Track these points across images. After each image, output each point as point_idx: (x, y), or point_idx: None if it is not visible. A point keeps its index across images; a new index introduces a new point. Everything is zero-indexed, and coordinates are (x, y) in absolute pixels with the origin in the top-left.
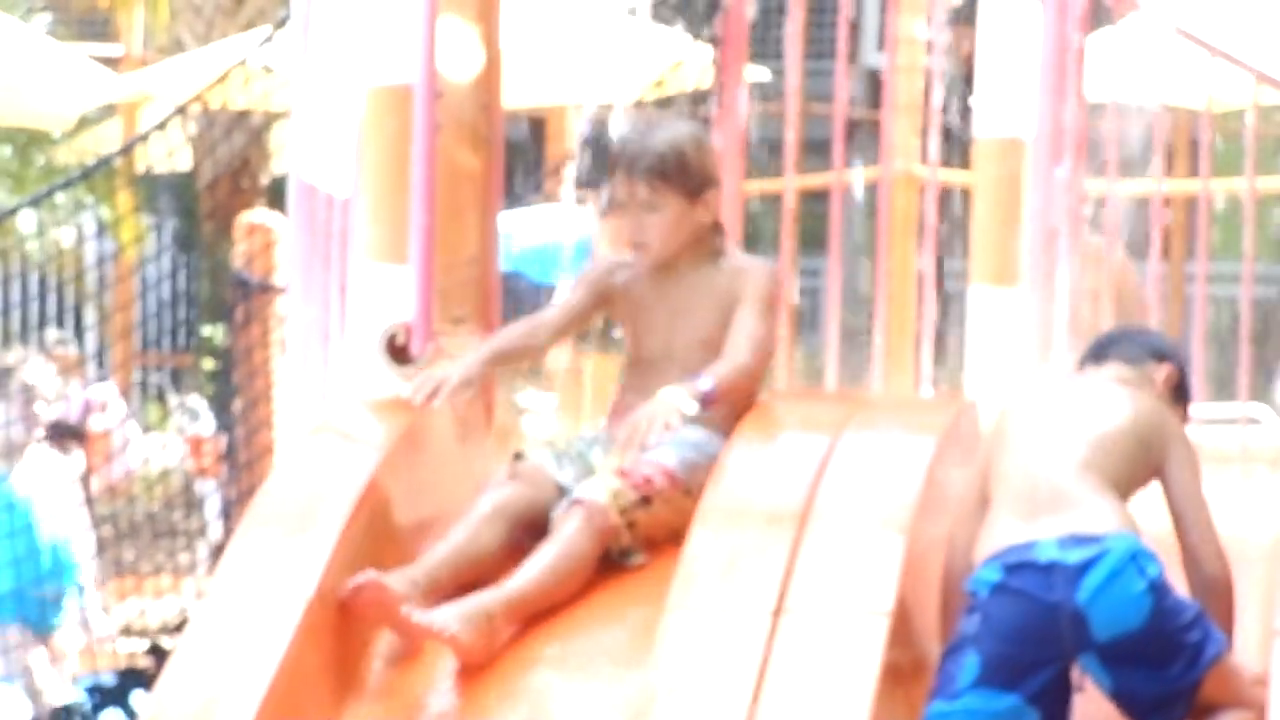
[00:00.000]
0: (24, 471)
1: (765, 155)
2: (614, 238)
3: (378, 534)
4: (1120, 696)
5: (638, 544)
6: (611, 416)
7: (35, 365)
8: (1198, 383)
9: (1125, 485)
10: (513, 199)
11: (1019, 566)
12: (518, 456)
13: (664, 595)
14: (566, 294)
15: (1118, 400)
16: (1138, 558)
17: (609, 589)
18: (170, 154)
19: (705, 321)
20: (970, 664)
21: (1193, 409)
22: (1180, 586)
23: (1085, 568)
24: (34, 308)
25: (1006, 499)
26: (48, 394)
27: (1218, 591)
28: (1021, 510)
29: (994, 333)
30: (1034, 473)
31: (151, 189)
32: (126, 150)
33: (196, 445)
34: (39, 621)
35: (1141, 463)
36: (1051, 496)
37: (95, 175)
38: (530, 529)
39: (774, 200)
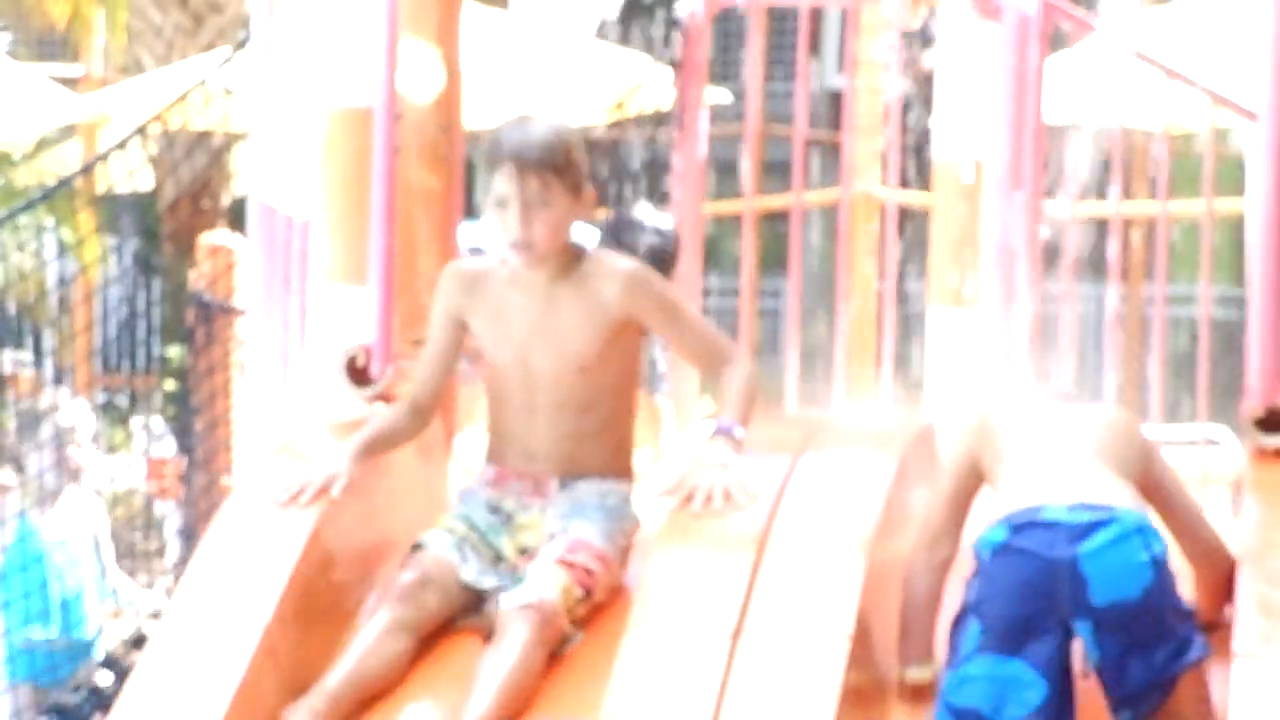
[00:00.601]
0: (56, 518)
1: (725, 177)
2: (497, 235)
3: (337, 557)
4: (1103, 672)
5: (576, 628)
6: (496, 481)
7: (71, 407)
8: (1157, 406)
9: (1132, 479)
10: (474, 219)
11: (1025, 526)
12: (417, 547)
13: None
14: (432, 332)
15: (1103, 408)
16: (1145, 532)
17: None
18: (131, 174)
19: (583, 341)
20: (973, 630)
21: (1153, 431)
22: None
23: (1091, 528)
24: None
25: (1015, 482)
26: (83, 438)
27: (1221, 557)
28: (1033, 484)
29: (952, 353)
30: (1047, 460)
31: (112, 210)
32: (87, 170)
33: (157, 466)
34: (49, 676)
35: (1135, 462)
36: (1066, 476)
37: (55, 196)
38: (433, 637)
39: (734, 221)
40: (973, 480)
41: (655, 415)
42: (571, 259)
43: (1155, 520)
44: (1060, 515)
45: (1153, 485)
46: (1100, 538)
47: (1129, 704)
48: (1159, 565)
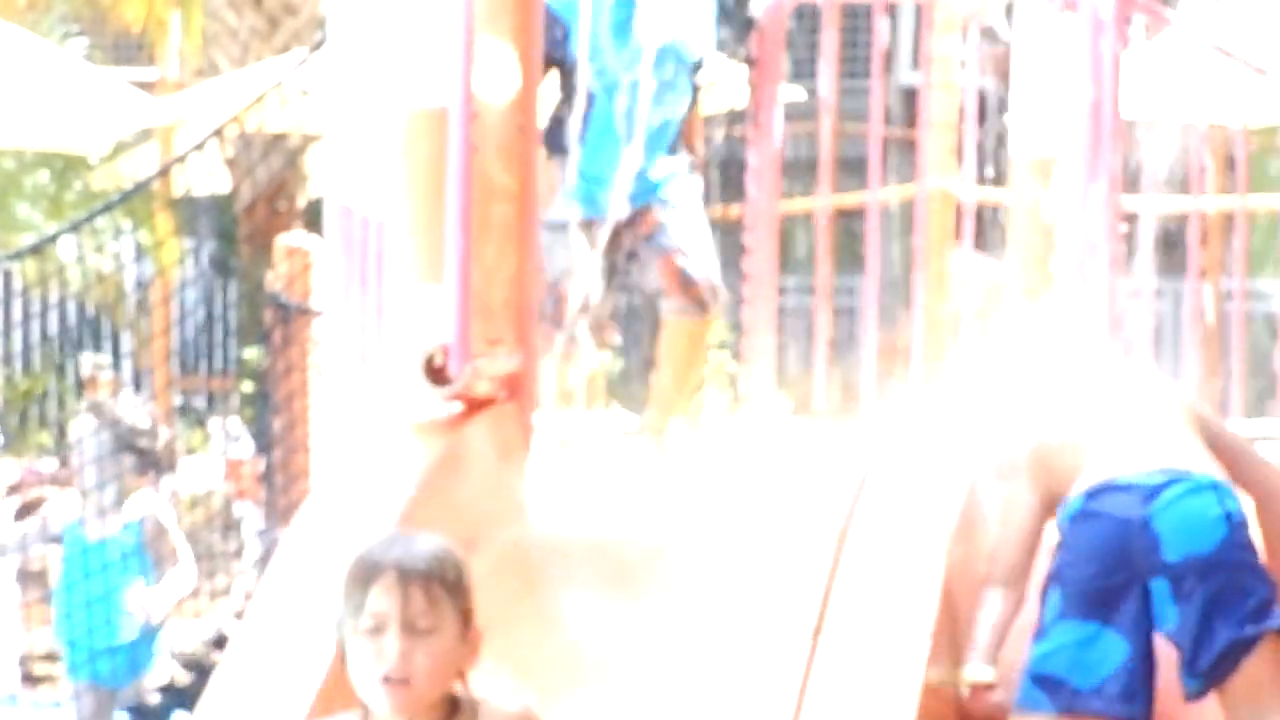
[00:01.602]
0: (125, 516)
1: (801, 174)
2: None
3: None
4: (1180, 635)
5: None
6: None
7: (128, 400)
8: (1238, 401)
9: (1207, 445)
10: None
11: (1101, 490)
12: None
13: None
14: None
15: (1160, 381)
16: (1218, 488)
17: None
18: (208, 176)
19: None
20: (1054, 599)
21: (1234, 427)
22: None
23: (1163, 487)
24: (73, 334)
25: (1096, 463)
26: (142, 428)
27: None
28: (1111, 457)
29: (1031, 347)
30: (1122, 434)
31: (189, 212)
32: (164, 173)
33: (235, 467)
34: (111, 678)
35: (1205, 430)
36: (1142, 445)
37: (133, 199)
38: None
39: (809, 219)
40: (1044, 515)
41: None
42: (450, 713)
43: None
44: (1134, 478)
45: (1227, 452)
46: (1172, 492)
47: (1205, 672)
48: (1233, 521)
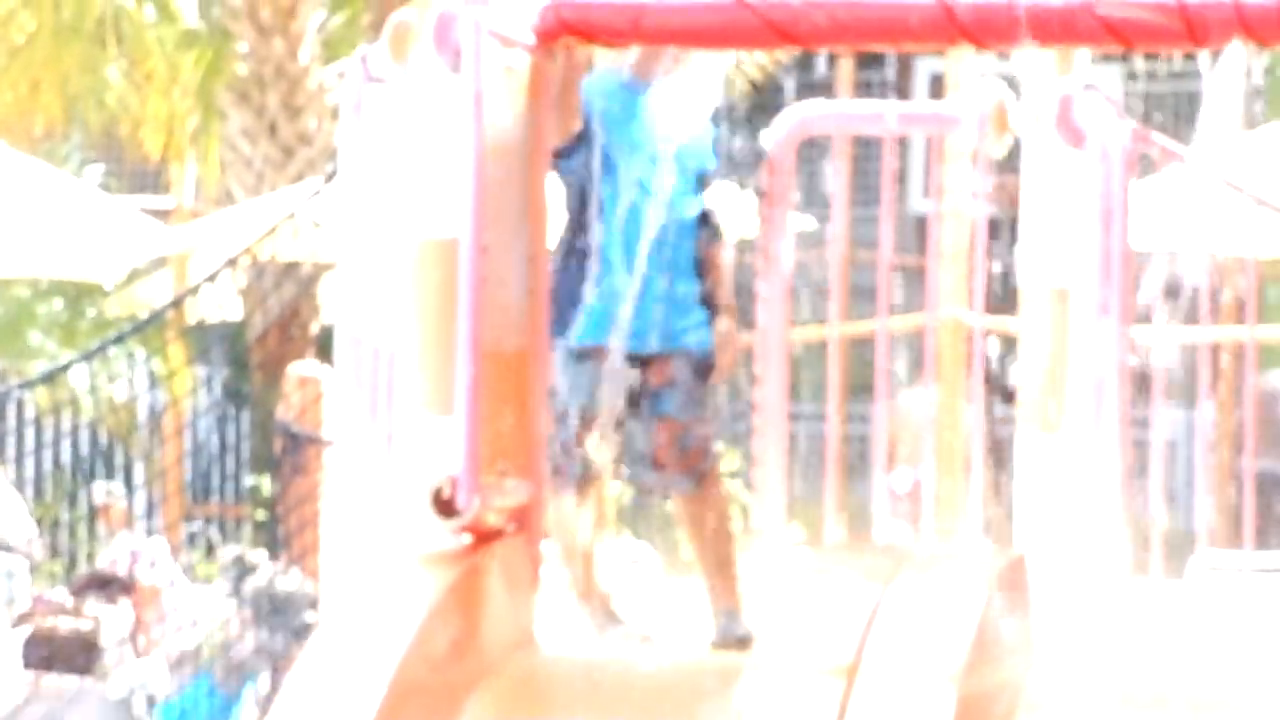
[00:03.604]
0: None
1: (811, 301)
2: None
3: (426, 684)
4: None
5: None
6: None
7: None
8: (1250, 530)
9: None
10: None
11: None
12: None
13: None
14: None
15: None
16: None
17: None
18: (221, 305)
19: None
20: None
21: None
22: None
23: None
24: (86, 462)
25: None
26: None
27: None
28: None
29: (1042, 479)
30: None
31: (203, 340)
32: (177, 303)
33: None
34: None
35: None
36: None
37: (147, 328)
38: None
39: (821, 347)
40: None
41: None
42: None
43: None
44: None
45: None
46: None
47: None
48: None
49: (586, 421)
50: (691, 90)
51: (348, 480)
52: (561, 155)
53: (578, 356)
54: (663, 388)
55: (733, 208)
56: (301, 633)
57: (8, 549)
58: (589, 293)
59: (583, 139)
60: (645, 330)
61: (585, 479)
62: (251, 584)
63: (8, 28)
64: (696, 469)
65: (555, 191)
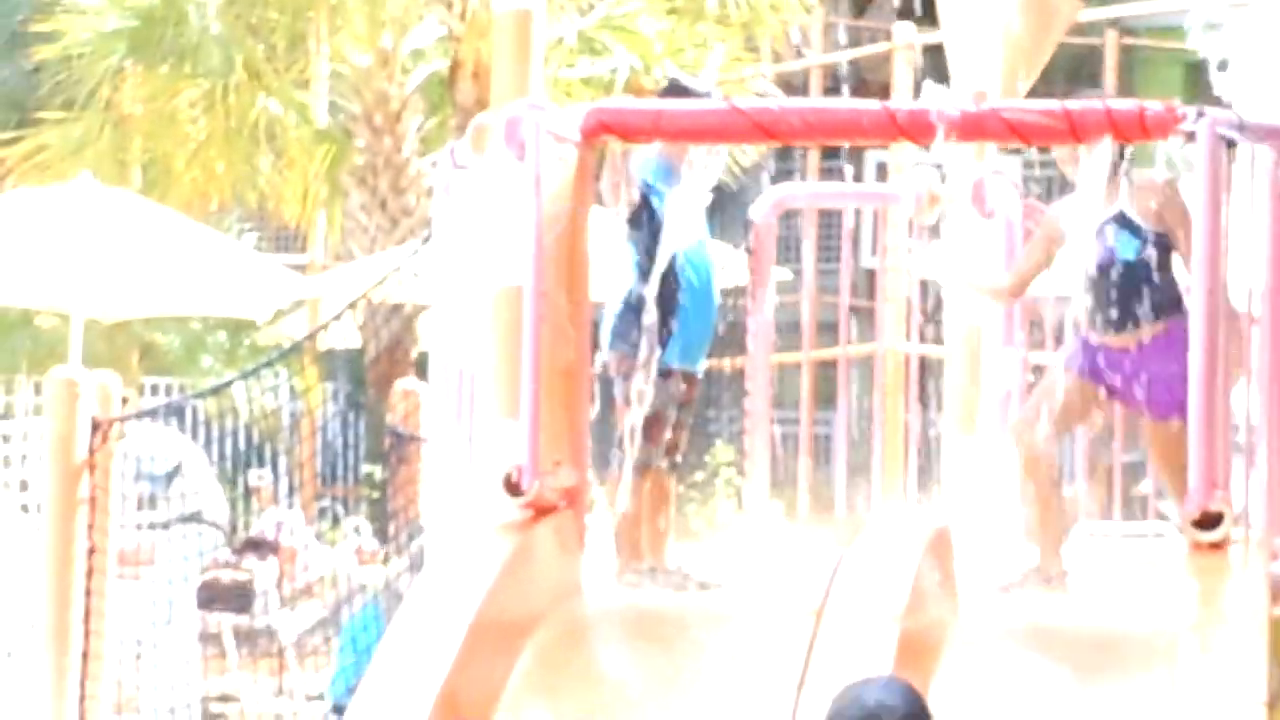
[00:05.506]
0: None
1: (788, 335)
2: None
3: (499, 621)
4: None
5: None
6: None
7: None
8: (1118, 504)
9: None
10: None
11: None
12: None
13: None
14: None
15: None
16: None
17: None
18: (344, 337)
19: None
20: None
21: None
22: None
23: None
24: (243, 455)
25: None
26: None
27: None
28: None
29: (963, 470)
30: None
31: (330, 364)
32: (312, 335)
33: (361, 554)
34: None
35: None
36: None
37: (289, 355)
38: None
39: (795, 369)
40: None
41: None
42: None
43: None
44: None
45: None
46: None
47: None
48: None
49: (664, 421)
50: (696, 188)
51: (440, 469)
52: (630, 223)
53: (663, 374)
54: (685, 401)
55: (729, 263)
56: None
57: (210, 523)
58: (674, 326)
59: (642, 208)
60: (699, 354)
61: (647, 465)
62: (416, 544)
63: (191, 131)
64: (675, 463)
65: (623, 251)
